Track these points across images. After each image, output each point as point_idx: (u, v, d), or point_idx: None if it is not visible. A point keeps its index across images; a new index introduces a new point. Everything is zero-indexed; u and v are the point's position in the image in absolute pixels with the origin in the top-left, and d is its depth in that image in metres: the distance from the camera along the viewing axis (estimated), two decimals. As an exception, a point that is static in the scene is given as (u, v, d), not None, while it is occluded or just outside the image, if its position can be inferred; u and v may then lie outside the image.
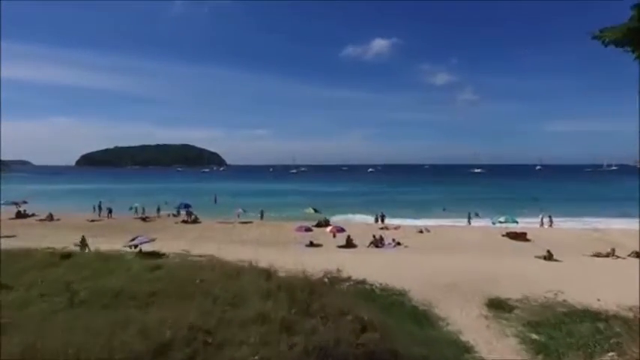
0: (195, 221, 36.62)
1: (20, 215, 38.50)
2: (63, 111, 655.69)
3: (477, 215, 38.40)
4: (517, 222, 31.31)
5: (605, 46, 7.72)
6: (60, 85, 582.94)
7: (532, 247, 25.77)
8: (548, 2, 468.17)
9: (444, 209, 45.41)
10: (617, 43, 7.63)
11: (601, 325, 10.79)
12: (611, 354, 8.59)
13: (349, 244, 26.31)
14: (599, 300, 13.23)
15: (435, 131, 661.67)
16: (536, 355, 9.62)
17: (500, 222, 31.02)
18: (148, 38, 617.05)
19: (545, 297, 14.01)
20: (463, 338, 10.61)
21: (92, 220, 36.23)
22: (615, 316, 11.66)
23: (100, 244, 21.34)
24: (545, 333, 10.73)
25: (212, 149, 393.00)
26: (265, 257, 14.24)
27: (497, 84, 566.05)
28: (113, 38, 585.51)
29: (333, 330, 6.72)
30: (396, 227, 33.46)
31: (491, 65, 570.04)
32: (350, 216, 42.87)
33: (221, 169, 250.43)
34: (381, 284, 14.71)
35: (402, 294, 13.98)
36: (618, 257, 22.63)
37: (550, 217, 36.57)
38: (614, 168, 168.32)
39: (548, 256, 21.64)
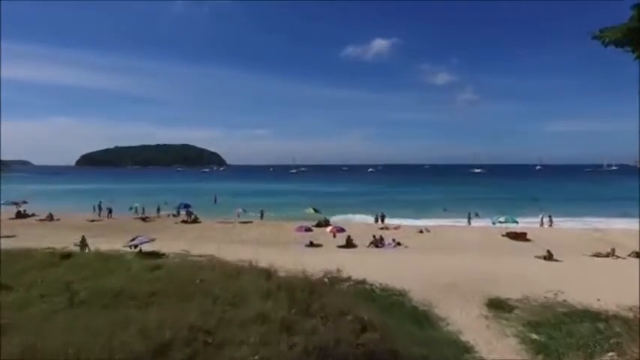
0: (195, 221, 36.63)
1: (20, 215, 38.52)
2: (63, 111, 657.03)
3: (476, 215, 38.40)
4: (517, 222, 31.31)
5: (605, 46, 7.73)
6: (60, 85, 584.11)
7: (532, 247, 25.77)
8: (548, 2, 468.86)
9: (444, 209, 45.39)
10: (617, 43, 7.64)
11: (601, 325, 10.79)
12: (611, 354, 8.59)
13: (349, 244, 26.31)
14: (599, 300, 13.22)
15: (435, 131, 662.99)
16: (536, 355, 9.62)
17: (501, 222, 31.03)
18: (148, 38, 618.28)
19: (545, 297, 14.01)
20: (463, 338, 10.61)
21: (92, 220, 36.23)
22: (615, 316, 11.65)
23: (100, 244, 21.35)
24: (545, 333, 10.72)
25: (212, 149, 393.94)
26: (265, 257, 14.23)
27: (497, 84, 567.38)
28: (113, 38, 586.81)
29: (333, 330, 6.72)
30: (396, 227, 33.46)
31: (491, 65, 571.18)
32: (350, 216, 42.86)
33: (221, 169, 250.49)
34: (381, 284, 14.71)
35: (402, 294, 13.97)
36: (618, 257, 22.62)
37: (550, 217, 36.57)
38: (614, 168, 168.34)
39: (548, 256, 21.64)
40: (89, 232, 24.98)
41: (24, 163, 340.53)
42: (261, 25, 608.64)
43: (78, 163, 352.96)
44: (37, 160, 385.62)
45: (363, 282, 14.80)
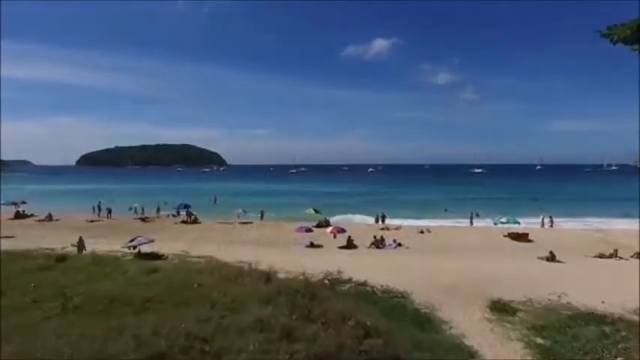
0: (195, 221, 36.43)
1: (19, 216, 38.32)
2: (63, 111, 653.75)
3: (477, 215, 38.22)
4: (519, 222, 31.17)
5: (614, 44, 7.53)
6: (60, 85, 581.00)
7: (534, 247, 25.58)
8: (548, 2, 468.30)
9: (445, 210, 45.18)
10: (627, 41, 7.45)
11: (607, 329, 10.62)
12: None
13: (350, 244, 26.11)
14: (603, 302, 13.02)
15: (436, 131, 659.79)
16: (542, 361, 9.42)
17: (502, 222, 30.86)
18: (148, 38, 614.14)
19: (549, 299, 13.80)
20: (467, 342, 10.39)
21: (91, 221, 36.04)
22: (621, 320, 11.48)
23: (99, 245, 21.18)
24: (551, 337, 10.52)
25: (212, 149, 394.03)
26: (265, 258, 14.08)
27: (498, 84, 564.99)
28: (113, 38, 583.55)
29: (335, 336, 6.53)
30: (397, 228, 33.27)
31: (491, 65, 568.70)
32: (350, 216, 42.67)
33: (221, 169, 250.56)
34: (382, 286, 14.51)
35: (403, 296, 13.78)
36: (621, 258, 22.42)
37: (551, 217, 36.39)
38: (614, 168, 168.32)
39: (551, 258, 21.44)
40: (88, 233, 24.81)
41: (24, 163, 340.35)
42: (261, 25, 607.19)
43: (78, 162, 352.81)
44: (37, 160, 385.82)
45: (364, 284, 14.60)
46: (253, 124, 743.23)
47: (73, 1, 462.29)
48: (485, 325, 11.89)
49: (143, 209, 40.57)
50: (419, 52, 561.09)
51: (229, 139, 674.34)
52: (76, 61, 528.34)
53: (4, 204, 39.84)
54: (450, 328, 11.54)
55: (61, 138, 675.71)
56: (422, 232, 31.18)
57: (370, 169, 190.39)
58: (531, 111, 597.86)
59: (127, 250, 19.24)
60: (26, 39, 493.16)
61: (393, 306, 12.75)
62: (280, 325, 6.49)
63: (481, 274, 17.10)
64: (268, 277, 10.31)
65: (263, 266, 12.06)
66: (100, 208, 40.13)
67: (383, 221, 37.05)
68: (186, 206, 39.36)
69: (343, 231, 27.51)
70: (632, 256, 22.58)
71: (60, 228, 31.62)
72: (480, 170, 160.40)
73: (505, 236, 29.26)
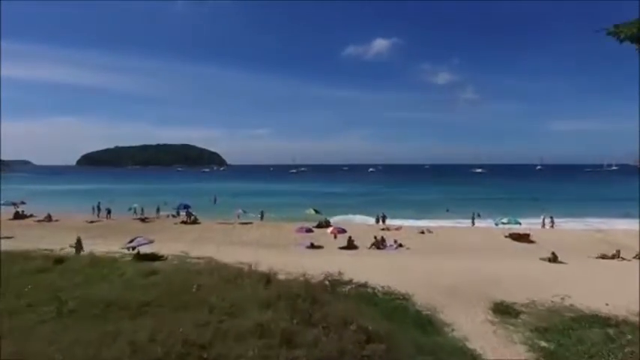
0: (195, 222, 36.29)
1: (18, 216, 38.18)
2: (63, 111, 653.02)
3: (478, 216, 38.08)
4: (520, 223, 31.01)
5: (621, 42, 7.41)
6: (60, 85, 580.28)
7: (536, 248, 25.42)
8: (548, 3, 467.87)
9: (447, 210, 45.01)
10: (634, 39, 7.33)
11: (611, 332, 10.46)
12: (626, 364, 8.23)
13: (350, 245, 25.95)
14: (607, 304, 12.86)
15: (436, 131, 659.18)
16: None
17: (503, 223, 30.70)
18: (148, 38, 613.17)
19: (552, 301, 13.64)
20: (470, 345, 10.23)
21: (91, 221, 35.89)
22: (625, 322, 11.32)
23: (98, 245, 21.03)
24: (554, 340, 10.35)
25: (212, 149, 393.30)
26: (265, 259, 13.94)
27: (498, 84, 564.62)
28: (113, 38, 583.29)
29: (336, 341, 6.38)
30: (398, 228, 33.11)
31: (492, 65, 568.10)
32: (350, 216, 42.51)
33: (221, 169, 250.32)
34: (383, 287, 14.35)
35: (405, 298, 13.62)
36: (624, 259, 22.26)
37: (551, 217, 36.23)
38: (614, 168, 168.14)
39: (553, 258, 21.27)
40: (87, 234, 24.68)
41: (25, 163, 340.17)
42: (261, 25, 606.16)
43: (78, 162, 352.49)
44: (37, 160, 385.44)
45: (365, 285, 14.44)
46: (253, 124, 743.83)
47: (73, 1, 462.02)
48: (487, 327, 11.73)
49: (143, 209, 40.42)
50: (419, 52, 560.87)
51: (229, 139, 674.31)
52: (76, 61, 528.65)
53: (3, 204, 39.65)
54: (452, 330, 11.38)
55: (61, 138, 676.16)
56: (422, 232, 31.03)
57: (370, 169, 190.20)
58: (531, 111, 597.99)
59: (125, 251, 19.08)
60: (26, 39, 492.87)
61: (395, 308, 12.59)
62: (280, 329, 6.34)
63: (483, 275, 16.95)
64: (268, 278, 10.16)
65: (263, 267, 11.92)
66: (99, 209, 39.98)
67: (383, 222, 36.89)
68: (186, 206, 39.19)
69: (344, 231, 27.37)
70: (634, 257, 22.39)
71: (59, 228, 31.47)
72: (480, 170, 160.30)
73: (506, 237, 29.10)
